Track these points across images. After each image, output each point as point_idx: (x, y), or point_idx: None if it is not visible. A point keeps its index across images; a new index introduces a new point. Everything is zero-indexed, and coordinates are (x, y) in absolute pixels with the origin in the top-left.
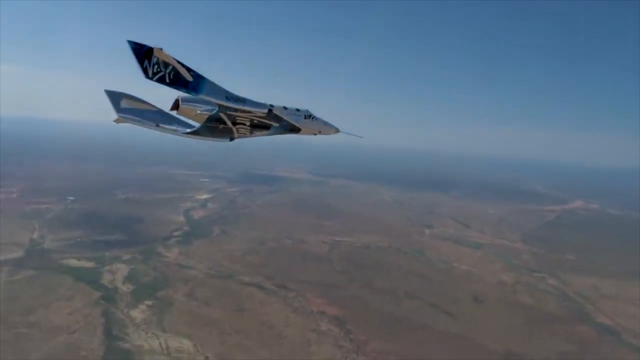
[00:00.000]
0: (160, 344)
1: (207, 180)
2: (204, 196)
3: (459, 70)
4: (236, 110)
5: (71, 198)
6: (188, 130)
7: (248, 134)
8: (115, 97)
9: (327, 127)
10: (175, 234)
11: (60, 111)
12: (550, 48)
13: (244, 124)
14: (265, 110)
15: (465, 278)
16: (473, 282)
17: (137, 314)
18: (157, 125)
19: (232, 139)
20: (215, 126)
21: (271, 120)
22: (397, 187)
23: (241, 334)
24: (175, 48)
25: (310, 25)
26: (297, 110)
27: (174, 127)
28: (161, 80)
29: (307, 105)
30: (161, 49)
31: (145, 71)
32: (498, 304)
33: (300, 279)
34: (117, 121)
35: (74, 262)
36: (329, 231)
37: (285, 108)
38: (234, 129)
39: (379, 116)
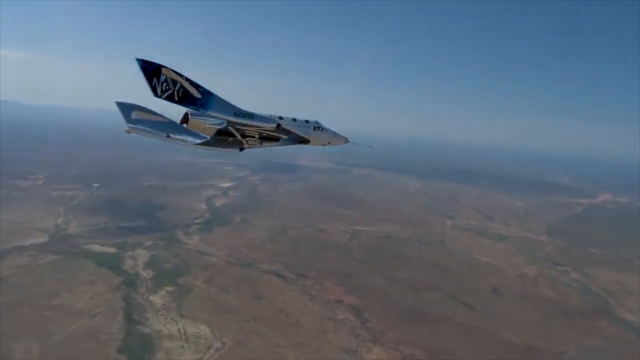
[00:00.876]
0: (178, 329)
1: (230, 168)
2: (226, 184)
3: (486, 61)
4: (245, 125)
5: (96, 185)
6: (198, 141)
7: (257, 145)
8: (125, 109)
9: (336, 138)
10: (197, 221)
11: (86, 100)
12: (581, 38)
13: (253, 137)
14: (274, 126)
15: (486, 270)
16: (494, 274)
17: (157, 299)
18: (168, 136)
19: (241, 149)
20: (225, 138)
21: (280, 134)
22: (421, 177)
23: (258, 321)
24: (188, 40)
25: (324, 17)
26: (307, 122)
27: (184, 138)
28: (170, 98)
29: (326, 97)
30: (169, 68)
31: (154, 89)
32: (519, 297)
33: (319, 267)
34: (127, 131)
35: (97, 248)
36: (350, 220)
37: (294, 120)
38: (243, 141)
39: (407, 107)
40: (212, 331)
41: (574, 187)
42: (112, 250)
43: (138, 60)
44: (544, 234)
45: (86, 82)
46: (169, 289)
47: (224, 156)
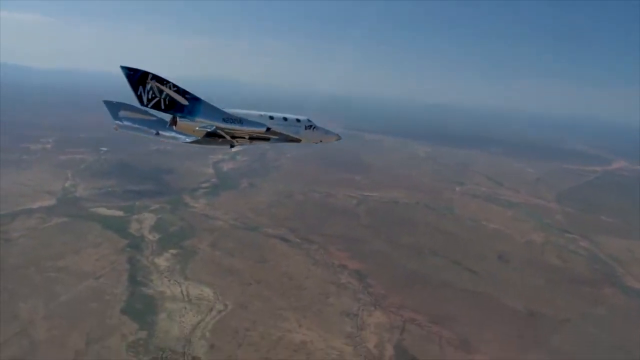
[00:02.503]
0: (181, 290)
1: None
2: (235, 149)
3: (498, 20)
4: (233, 130)
5: (104, 149)
6: (188, 140)
7: (248, 143)
8: (113, 107)
9: (327, 136)
10: (204, 185)
11: (95, 63)
12: None
13: (243, 137)
14: (264, 130)
15: (493, 237)
16: (500, 241)
17: (162, 261)
18: (157, 134)
19: (232, 146)
20: (215, 139)
21: (270, 135)
22: (431, 143)
23: (262, 284)
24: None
25: None
26: (298, 120)
27: (174, 135)
28: (156, 107)
29: (329, 59)
30: (154, 74)
31: (139, 98)
32: (524, 264)
33: (325, 232)
34: (116, 128)
35: (103, 211)
36: (358, 185)
37: (285, 119)
38: (233, 141)
39: (417, 71)
40: (215, 293)
41: (588, 154)
42: (119, 213)
43: (123, 68)
44: (555, 201)
45: (97, 44)
46: (174, 251)
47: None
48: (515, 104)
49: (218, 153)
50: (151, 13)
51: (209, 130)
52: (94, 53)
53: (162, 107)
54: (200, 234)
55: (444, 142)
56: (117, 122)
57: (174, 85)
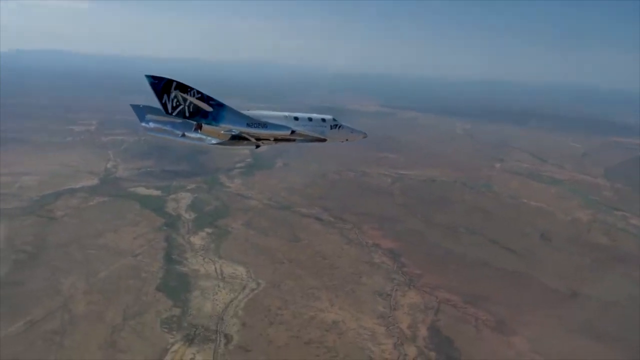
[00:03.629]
0: (215, 269)
1: None
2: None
3: None
4: (258, 134)
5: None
6: (214, 141)
7: (273, 144)
8: (140, 111)
9: (353, 135)
10: (239, 165)
11: (137, 49)
12: None
13: (268, 139)
14: (288, 132)
15: (535, 215)
16: (543, 219)
17: (197, 240)
18: (183, 135)
19: (258, 146)
20: (240, 141)
21: (295, 136)
22: (470, 119)
23: (294, 263)
24: None
25: None
26: (323, 120)
27: (199, 137)
28: (181, 114)
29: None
30: (178, 82)
31: (164, 107)
32: (568, 243)
33: (359, 211)
34: (144, 130)
35: (142, 190)
36: (393, 164)
37: (310, 119)
38: (259, 143)
39: (457, 47)
40: (248, 272)
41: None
42: (157, 192)
43: (147, 76)
44: (602, 177)
45: (139, 29)
46: (209, 230)
47: (274, 101)
48: (563, 78)
49: None
50: None
51: (234, 133)
52: (137, 37)
53: (187, 114)
54: (235, 213)
55: (484, 118)
56: (143, 124)
57: (198, 92)
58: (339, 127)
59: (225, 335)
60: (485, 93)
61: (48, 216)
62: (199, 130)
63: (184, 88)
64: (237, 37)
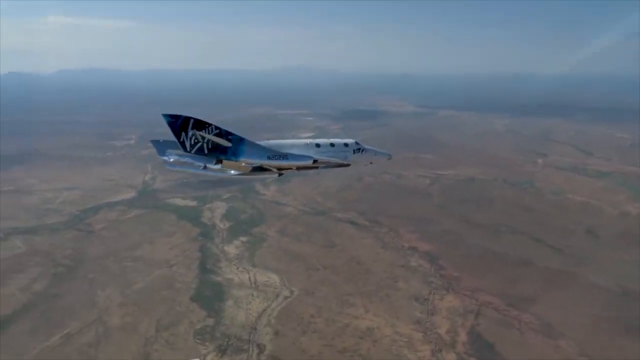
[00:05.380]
0: (249, 277)
1: (310, 118)
2: (306, 134)
3: None
4: (280, 165)
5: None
6: (235, 172)
7: (295, 172)
8: (160, 146)
9: (377, 157)
10: None
11: (177, 63)
12: None
13: (291, 169)
14: (310, 162)
15: (580, 210)
16: (589, 214)
17: (231, 249)
18: (204, 167)
19: (280, 174)
20: (262, 172)
21: (317, 164)
22: (510, 114)
23: (328, 269)
24: None
25: None
26: (345, 145)
27: (221, 168)
28: (200, 151)
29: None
30: (195, 118)
31: (182, 145)
32: (617, 238)
33: (395, 214)
34: (164, 164)
35: (178, 201)
36: (430, 164)
37: (332, 145)
38: (281, 172)
39: (496, 41)
40: (282, 279)
41: None
42: (193, 203)
43: (164, 115)
44: None
45: (179, 45)
46: (243, 239)
47: (305, 107)
48: (600, 67)
49: (288, 139)
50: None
51: (255, 165)
52: (176, 53)
53: (206, 151)
54: (270, 220)
55: (525, 113)
56: (163, 158)
57: (216, 128)
58: (362, 150)
59: (258, 345)
60: (519, 87)
61: (87, 230)
62: (220, 165)
63: (201, 125)
64: (271, 45)
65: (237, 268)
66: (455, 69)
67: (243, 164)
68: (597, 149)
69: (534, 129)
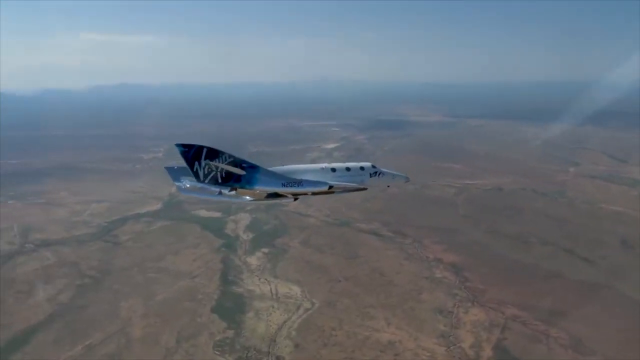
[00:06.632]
0: (270, 289)
1: (336, 129)
2: (331, 145)
3: None
4: (295, 192)
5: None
6: (250, 199)
7: (311, 196)
8: (174, 172)
9: (394, 180)
10: None
11: (201, 76)
12: None
13: (306, 194)
14: (326, 188)
15: (614, 220)
16: (623, 224)
17: (253, 260)
18: (219, 193)
19: (296, 199)
20: (277, 197)
21: (333, 190)
22: (541, 123)
23: (351, 281)
24: None
25: None
26: (362, 168)
27: (235, 194)
28: (214, 181)
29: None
30: (209, 149)
31: (196, 175)
32: None
33: (419, 224)
34: (179, 190)
35: (203, 213)
36: (457, 174)
37: (348, 169)
38: (296, 197)
39: (530, 48)
40: (303, 291)
41: None
42: (217, 214)
43: (177, 145)
44: None
45: (202, 59)
46: (266, 250)
47: (329, 118)
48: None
49: (314, 151)
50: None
51: (270, 192)
52: (203, 66)
53: (219, 180)
54: (292, 231)
55: (555, 121)
56: (177, 184)
57: (230, 156)
58: (379, 174)
59: (277, 358)
60: (548, 94)
61: (113, 241)
62: (235, 192)
63: (214, 154)
64: (293, 57)
65: (259, 279)
66: (480, 77)
67: (257, 191)
68: (632, 156)
69: (564, 136)
